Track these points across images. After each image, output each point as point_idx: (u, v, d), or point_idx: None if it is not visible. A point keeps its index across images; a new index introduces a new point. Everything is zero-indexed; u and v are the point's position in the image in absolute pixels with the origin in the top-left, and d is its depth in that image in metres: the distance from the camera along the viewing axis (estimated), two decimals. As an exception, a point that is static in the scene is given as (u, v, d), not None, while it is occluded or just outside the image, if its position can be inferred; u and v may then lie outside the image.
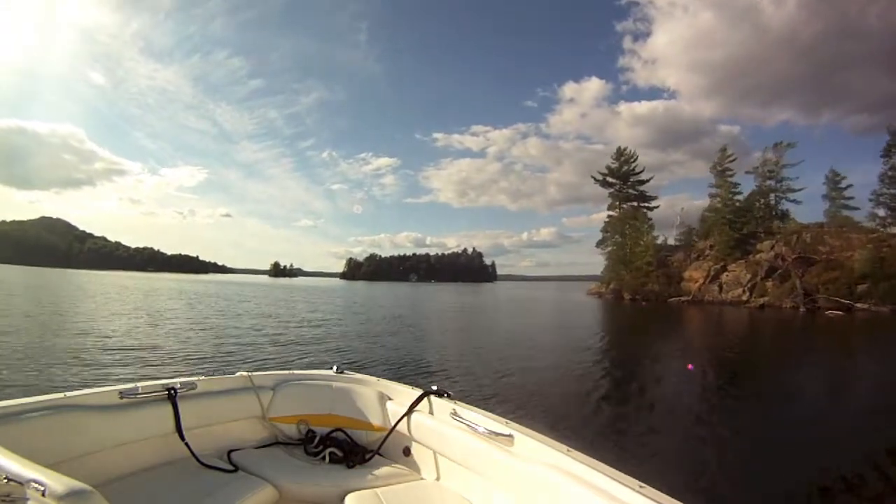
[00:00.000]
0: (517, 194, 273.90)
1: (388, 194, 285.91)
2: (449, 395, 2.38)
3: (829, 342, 18.18)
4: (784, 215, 44.24)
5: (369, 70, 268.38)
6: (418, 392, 2.45)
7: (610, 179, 58.35)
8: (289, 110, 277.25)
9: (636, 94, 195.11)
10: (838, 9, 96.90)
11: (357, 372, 2.87)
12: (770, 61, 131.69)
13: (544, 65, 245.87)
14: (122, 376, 7.24)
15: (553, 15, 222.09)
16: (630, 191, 59.79)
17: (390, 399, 2.57)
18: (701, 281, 40.26)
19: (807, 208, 45.46)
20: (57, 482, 1.05)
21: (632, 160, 59.73)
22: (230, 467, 2.13)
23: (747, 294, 36.81)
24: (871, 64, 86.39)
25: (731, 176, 48.07)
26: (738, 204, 43.78)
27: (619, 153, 60.12)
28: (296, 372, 2.82)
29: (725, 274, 39.42)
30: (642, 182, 57.61)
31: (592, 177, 60.06)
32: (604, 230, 59.56)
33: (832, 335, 20.11)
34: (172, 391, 2.20)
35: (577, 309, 32.77)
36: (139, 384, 2.14)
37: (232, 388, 2.51)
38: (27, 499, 1.05)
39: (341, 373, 2.78)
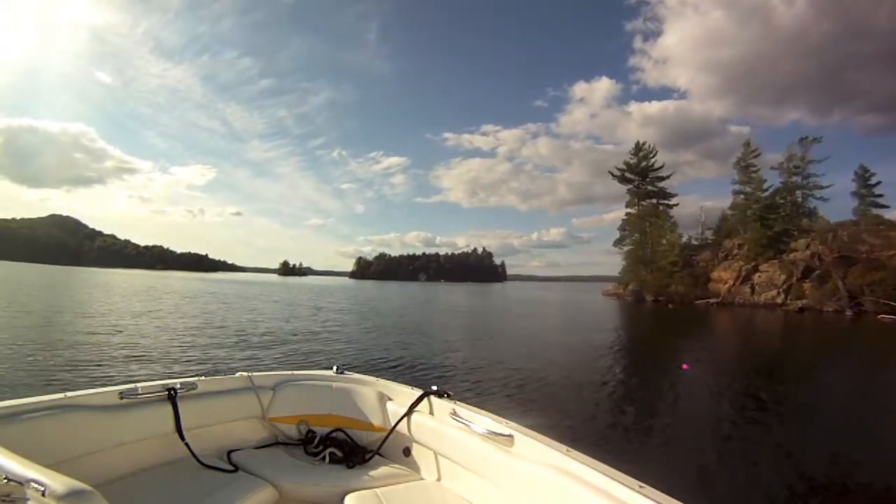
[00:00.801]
0: (527, 194, 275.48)
1: (398, 194, 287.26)
2: (449, 396, 2.36)
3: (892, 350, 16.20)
4: (811, 213, 42.39)
5: (378, 69, 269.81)
6: (418, 392, 2.44)
7: (628, 175, 55.35)
8: (298, 110, 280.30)
9: (646, 94, 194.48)
10: (847, 8, 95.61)
11: (357, 372, 2.85)
12: (780, 60, 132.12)
13: (554, 65, 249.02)
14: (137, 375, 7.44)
15: (563, 15, 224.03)
16: (649, 188, 56.62)
17: (390, 399, 2.56)
18: (731, 282, 37.60)
19: (830, 206, 43.65)
20: (57, 482, 1.06)
21: (651, 156, 56.53)
22: (230, 467, 2.13)
23: (782, 296, 34.11)
24: (880, 64, 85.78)
25: (755, 171, 46.29)
26: (767, 200, 40.45)
27: (638, 148, 57.35)
28: (296, 372, 2.81)
29: (758, 274, 36.74)
30: (661, 178, 54.55)
31: (610, 172, 57.20)
32: (621, 228, 56.78)
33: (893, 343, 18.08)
34: (172, 391, 2.19)
35: (596, 311, 31.36)
36: (139, 384, 2.14)
37: (232, 389, 2.50)
38: (27, 499, 1.06)
39: (341, 373, 2.77)
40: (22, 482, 1.09)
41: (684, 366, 10.42)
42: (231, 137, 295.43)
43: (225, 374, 2.62)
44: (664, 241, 46.14)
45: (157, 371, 7.76)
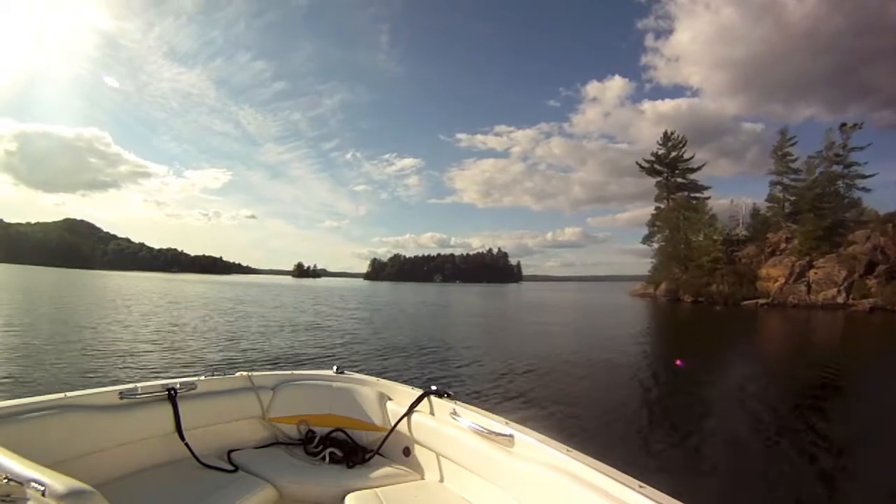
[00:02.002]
0: (541, 194, 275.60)
1: (412, 195, 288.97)
2: (449, 395, 2.37)
3: None
4: (855, 204, 39.19)
5: (392, 71, 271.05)
6: (418, 392, 2.45)
7: (658, 167, 51.25)
8: (312, 112, 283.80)
9: (659, 93, 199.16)
10: (859, 3, 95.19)
11: (357, 372, 2.87)
12: (793, 57, 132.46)
13: (567, 64, 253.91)
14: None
15: (574, 14, 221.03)
16: (678, 180, 52.48)
17: (390, 399, 2.58)
18: (782, 280, 33.27)
19: (871, 197, 39.79)
20: (57, 482, 1.07)
21: (680, 146, 52.39)
22: (230, 467, 2.16)
23: (843, 295, 29.59)
24: (894, 59, 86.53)
25: (792, 161, 43.73)
26: (819, 188, 36.36)
27: (666, 138, 53.78)
28: (296, 372, 2.83)
29: (813, 271, 32.47)
30: (692, 170, 50.44)
31: (638, 163, 53.79)
32: (650, 224, 53.12)
33: None
34: (172, 391, 2.23)
35: (632, 316, 28.01)
36: (139, 384, 2.19)
37: (232, 389, 2.54)
38: (27, 499, 1.08)
39: (341, 373, 2.79)
40: (22, 482, 1.10)
41: (678, 362, 9.94)
42: (245, 140, 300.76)
43: (225, 374, 2.60)
44: (700, 237, 41.87)
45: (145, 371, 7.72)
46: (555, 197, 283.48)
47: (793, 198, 42.84)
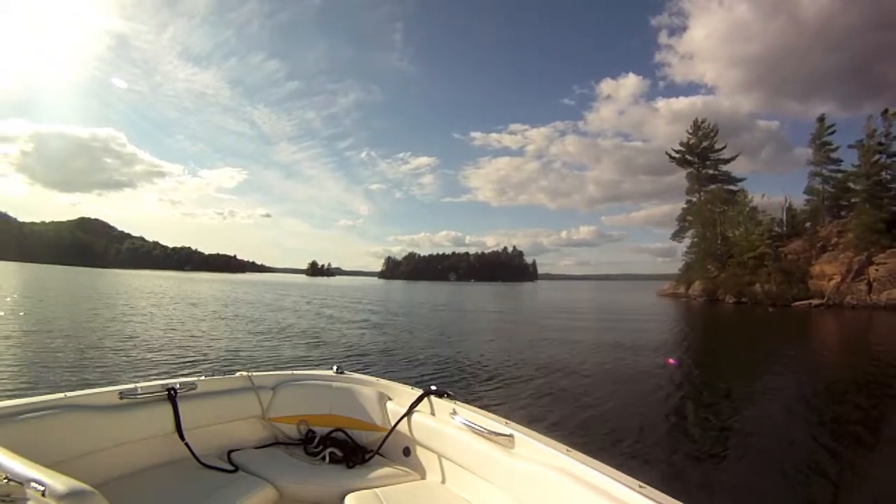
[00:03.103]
0: (556, 193, 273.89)
1: (427, 194, 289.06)
2: (449, 395, 2.36)
3: None
4: None
5: (405, 70, 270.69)
6: (418, 392, 2.46)
7: (689, 157, 47.66)
8: (326, 111, 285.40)
9: (673, 90, 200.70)
10: None
11: (357, 372, 2.89)
12: (807, 53, 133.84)
13: (581, 62, 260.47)
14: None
15: (588, 11, 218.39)
16: (710, 171, 48.83)
17: (390, 399, 2.59)
18: (838, 277, 29.58)
19: None
20: (57, 482, 1.08)
21: (711, 135, 48.70)
22: (230, 467, 2.18)
23: (912, 294, 26.05)
24: None
25: (833, 150, 40.89)
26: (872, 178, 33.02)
27: (697, 127, 50.10)
28: (296, 372, 2.85)
29: (874, 268, 28.64)
30: (724, 161, 46.83)
31: (667, 153, 50.52)
32: (680, 219, 49.50)
33: None
34: (172, 391, 2.26)
35: (669, 319, 25.26)
36: (139, 384, 2.23)
37: (232, 388, 2.57)
38: (27, 499, 1.08)
39: (341, 373, 2.80)
40: (22, 482, 1.11)
41: (671, 360, 9.93)
42: (260, 140, 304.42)
43: (225, 374, 2.64)
44: (738, 231, 38.31)
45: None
46: (569, 195, 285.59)
47: (833, 189, 40.33)
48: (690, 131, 50.00)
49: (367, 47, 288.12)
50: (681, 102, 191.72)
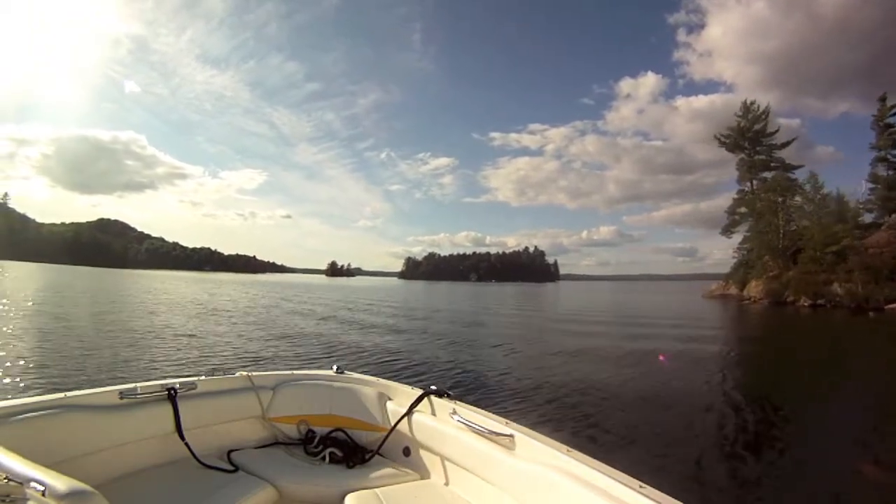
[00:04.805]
0: (576, 192, 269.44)
1: (447, 194, 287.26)
2: (449, 395, 2.34)
3: None
4: None
5: (425, 70, 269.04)
6: (418, 392, 2.44)
7: (740, 142, 42.23)
8: (346, 112, 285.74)
9: (693, 88, 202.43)
10: None
11: (357, 372, 2.86)
12: (826, 50, 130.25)
13: (598, 61, 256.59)
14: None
15: (605, 10, 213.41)
16: (761, 158, 43.32)
17: (390, 399, 2.57)
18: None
19: None
20: (57, 482, 1.09)
21: (763, 117, 42.98)
22: (230, 467, 2.17)
23: None
24: None
25: None
26: None
27: (746, 108, 44.60)
28: (296, 372, 2.83)
29: None
30: (777, 147, 41.43)
31: (717, 137, 45.45)
32: (730, 211, 44.10)
33: None
34: (172, 391, 2.26)
35: (746, 328, 20.94)
36: (139, 384, 2.23)
37: (232, 389, 2.56)
38: (27, 499, 1.09)
39: (341, 373, 2.78)
40: (22, 482, 1.11)
41: (661, 356, 9.66)
42: (280, 141, 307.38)
43: (225, 374, 2.62)
44: (807, 223, 32.92)
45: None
46: (589, 195, 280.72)
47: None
48: (740, 114, 44.55)
49: (386, 48, 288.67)
50: (700, 101, 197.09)
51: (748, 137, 44.99)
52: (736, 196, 45.78)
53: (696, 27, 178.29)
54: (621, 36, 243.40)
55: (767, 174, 43.32)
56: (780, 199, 37.90)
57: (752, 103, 45.85)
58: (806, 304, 30.71)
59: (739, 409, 6.67)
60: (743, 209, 43.26)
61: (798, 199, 37.97)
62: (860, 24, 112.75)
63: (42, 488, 1.05)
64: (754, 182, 44.36)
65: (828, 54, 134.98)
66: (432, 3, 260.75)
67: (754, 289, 37.75)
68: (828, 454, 5.01)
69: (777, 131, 45.00)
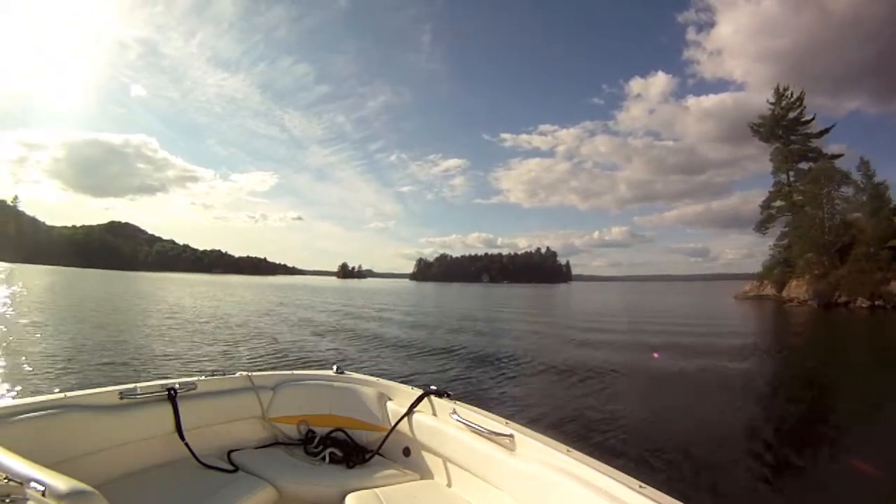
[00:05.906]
0: (587, 193, 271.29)
1: (458, 195, 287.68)
2: (449, 395, 2.33)
3: None
4: None
5: (434, 71, 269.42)
6: (418, 392, 2.43)
7: (776, 131, 38.93)
8: (356, 114, 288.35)
9: (703, 88, 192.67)
10: None
11: (357, 372, 2.85)
12: (836, 47, 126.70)
13: (608, 60, 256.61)
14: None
15: (614, 9, 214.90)
16: (797, 147, 39.98)
17: (390, 399, 2.56)
18: None
19: None
20: (57, 482, 1.09)
21: (797, 105, 39.55)
22: (230, 467, 2.18)
23: None
24: None
25: None
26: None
27: (780, 95, 40.82)
28: (296, 372, 2.83)
29: None
30: (813, 136, 38.10)
31: (750, 126, 41.79)
32: (765, 205, 40.72)
33: None
34: (172, 391, 2.26)
35: (814, 339, 17.48)
36: (139, 384, 2.23)
37: (232, 389, 2.56)
38: (27, 499, 1.09)
39: (341, 373, 2.77)
40: (22, 482, 1.11)
41: (655, 354, 9.36)
42: (291, 143, 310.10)
43: (225, 374, 2.62)
44: (857, 215, 29.76)
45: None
46: (601, 196, 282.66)
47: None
48: (772, 101, 41.26)
49: (396, 49, 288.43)
50: (711, 100, 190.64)
51: (783, 126, 41.76)
52: (772, 189, 42.63)
53: (706, 25, 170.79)
54: (630, 35, 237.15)
55: (804, 165, 40.16)
56: (824, 191, 35.28)
57: (786, 89, 42.70)
58: (864, 305, 27.72)
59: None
60: (780, 202, 40.28)
61: (845, 189, 34.86)
62: (871, 20, 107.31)
63: (42, 488, 1.05)
64: (790, 174, 41.12)
65: (838, 52, 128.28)
66: (441, 4, 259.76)
67: (796, 289, 34.66)
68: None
69: (813, 119, 41.76)
